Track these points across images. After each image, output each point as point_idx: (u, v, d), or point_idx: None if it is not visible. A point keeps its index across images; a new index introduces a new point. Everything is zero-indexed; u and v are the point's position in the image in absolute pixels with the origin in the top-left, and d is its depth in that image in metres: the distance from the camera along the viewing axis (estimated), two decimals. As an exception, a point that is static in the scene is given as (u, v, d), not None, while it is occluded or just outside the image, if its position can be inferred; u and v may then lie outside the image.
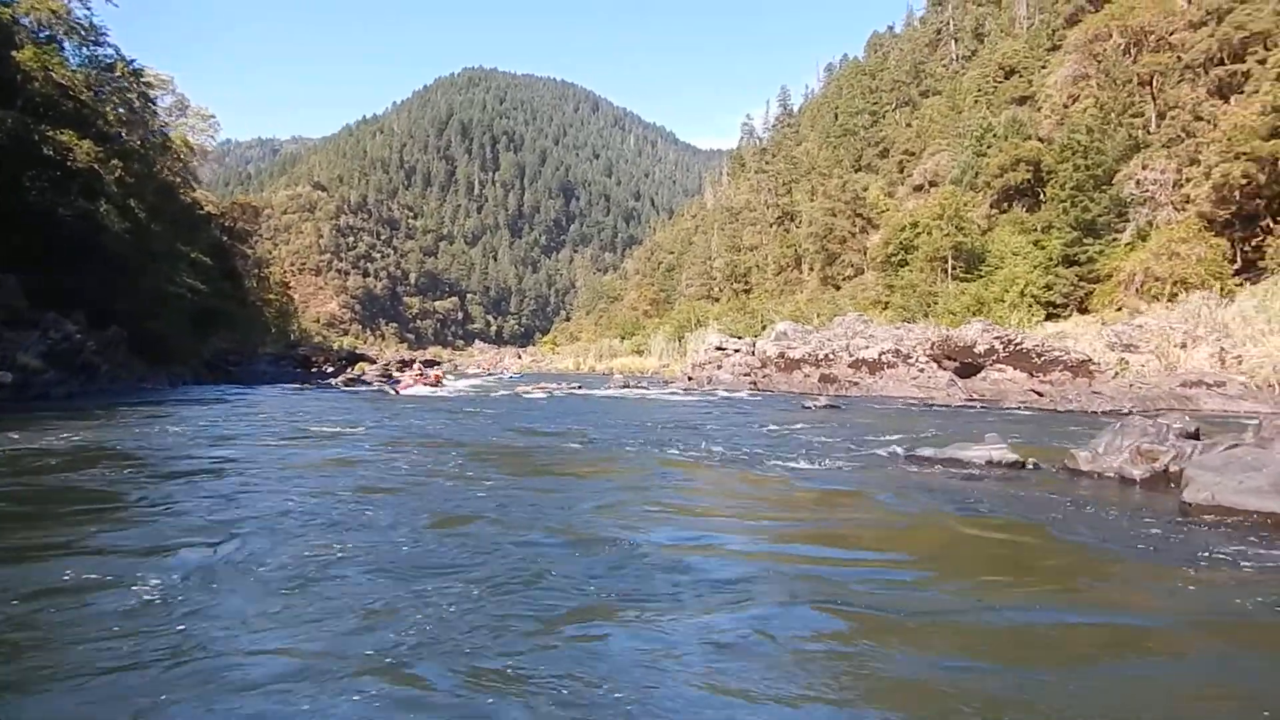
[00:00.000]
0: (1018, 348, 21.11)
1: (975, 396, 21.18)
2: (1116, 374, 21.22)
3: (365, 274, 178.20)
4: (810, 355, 27.04)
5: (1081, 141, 40.58)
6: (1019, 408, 18.19)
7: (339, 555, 4.54)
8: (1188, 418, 7.68)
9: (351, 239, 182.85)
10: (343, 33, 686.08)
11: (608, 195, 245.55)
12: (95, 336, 20.75)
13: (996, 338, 21.58)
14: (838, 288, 61.57)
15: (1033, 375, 20.87)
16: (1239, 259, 31.33)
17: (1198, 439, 6.92)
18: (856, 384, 24.63)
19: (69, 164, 22.99)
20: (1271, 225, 30.15)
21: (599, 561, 4.48)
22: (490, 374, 61.93)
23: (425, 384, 29.34)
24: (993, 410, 17.71)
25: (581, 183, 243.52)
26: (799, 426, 12.90)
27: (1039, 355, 20.86)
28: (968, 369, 22.31)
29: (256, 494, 6.50)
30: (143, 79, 31.04)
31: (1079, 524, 5.35)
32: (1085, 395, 18.70)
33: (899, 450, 9.03)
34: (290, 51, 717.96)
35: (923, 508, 6.05)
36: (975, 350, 21.88)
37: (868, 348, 25.78)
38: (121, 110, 27.84)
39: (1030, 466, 7.48)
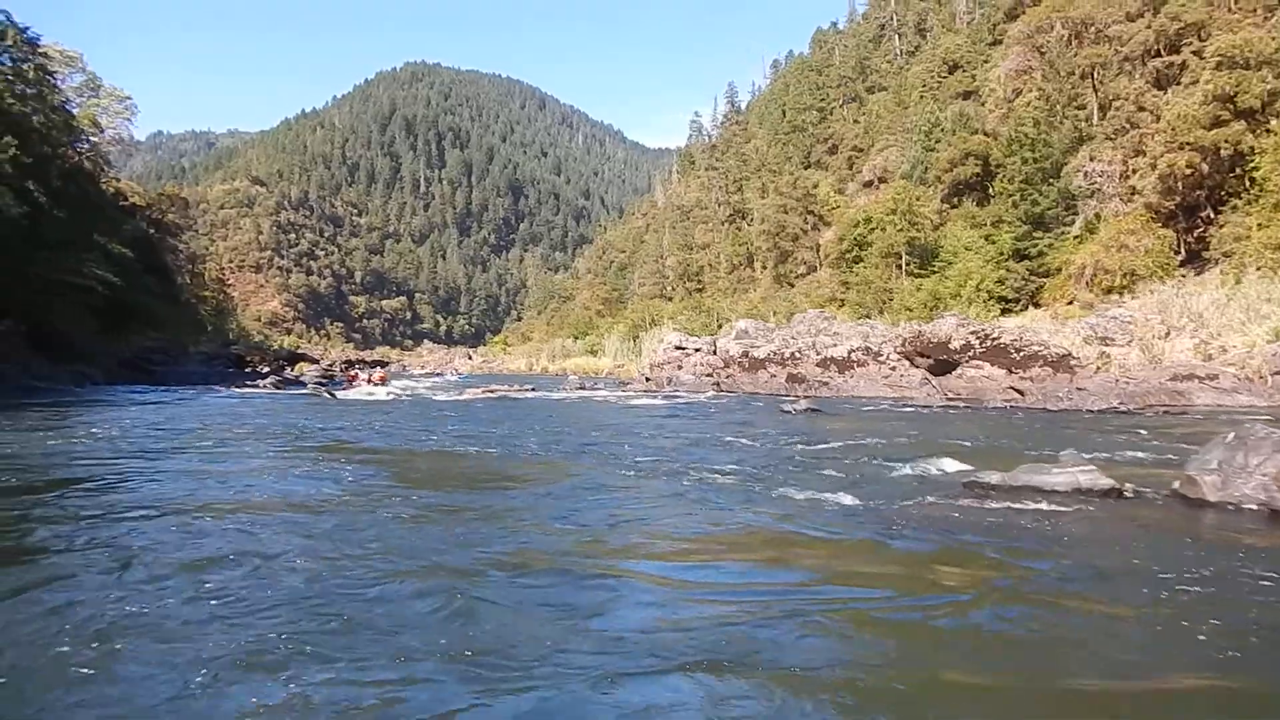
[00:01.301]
0: (995, 343, 19.87)
1: (952, 396, 19.91)
2: (1099, 369, 20.08)
3: (308, 272, 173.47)
4: (775, 354, 25.56)
5: (1029, 134, 40.39)
6: (1005, 408, 16.91)
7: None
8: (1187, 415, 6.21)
9: (293, 236, 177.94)
10: (278, 24, 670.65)
11: (557, 194, 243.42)
12: (-18, 333, 18.50)
13: (972, 333, 20.32)
14: (791, 285, 61.39)
15: (1011, 372, 19.63)
16: (1183, 250, 31.20)
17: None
18: (826, 384, 23.21)
19: (-45, 142, 20.59)
20: (1213, 215, 30.16)
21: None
22: (437, 374, 59.67)
23: (371, 384, 27.50)
24: (978, 411, 16.42)
25: (530, 181, 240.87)
26: (785, 435, 11.33)
27: (1017, 350, 19.63)
28: (942, 366, 21.02)
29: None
30: (39, 50, 28.19)
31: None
32: (1071, 392, 17.50)
33: (936, 469, 7.46)
34: (224, 42, 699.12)
35: (1055, 582, 4.05)
36: (950, 346, 20.59)
37: (835, 346, 24.38)
38: (13, 82, 25.05)
39: (1130, 494, 5.85)
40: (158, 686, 2.76)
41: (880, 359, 23.00)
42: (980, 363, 20.25)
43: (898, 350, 22.66)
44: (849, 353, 23.70)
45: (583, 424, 14.59)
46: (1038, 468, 6.22)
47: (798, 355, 25.01)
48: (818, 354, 24.68)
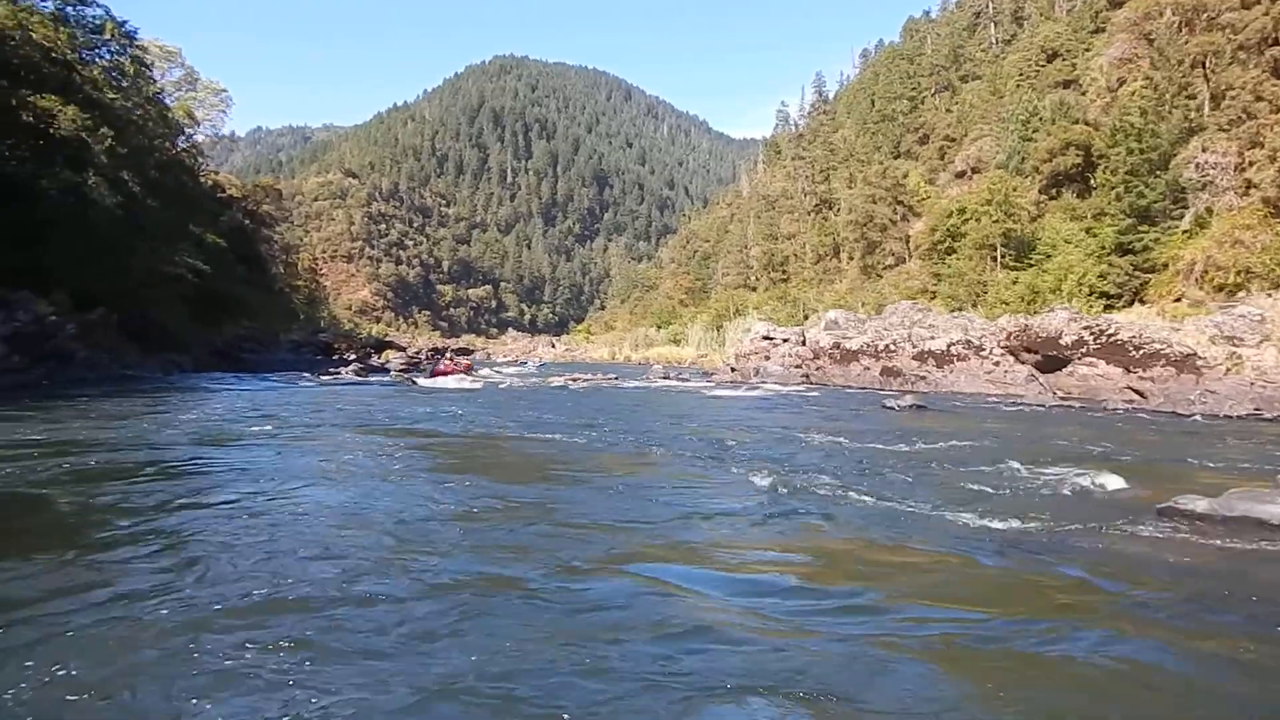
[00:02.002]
0: (1111, 339, 18.26)
1: (1063, 395, 18.41)
2: (1228, 370, 18.30)
3: (397, 261, 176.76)
4: (869, 346, 24.31)
5: (1135, 124, 38.36)
6: (1125, 410, 15.47)
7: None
8: None
9: (384, 226, 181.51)
10: (373, 20, 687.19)
11: (641, 184, 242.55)
12: (77, 319, 18.69)
13: (1086, 328, 18.74)
14: (879, 277, 60.58)
15: (1129, 371, 18.02)
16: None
17: None
18: (923, 378, 21.92)
19: (51, 132, 20.89)
20: (1339, 211, 27.63)
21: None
22: (520, 362, 59.70)
23: (456, 371, 27.39)
24: (1098, 413, 15.03)
25: (615, 171, 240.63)
26: (891, 434, 10.31)
27: (1136, 348, 17.98)
28: (1051, 363, 19.51)
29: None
30: (136, 43, 28.75)
31: None
32: (1201, 396, 15.93)
33: (1093, 484, 6.39)
34: (321, 38, 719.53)
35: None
36: (1061, 342, 19.06)
37: (933, 339, 23.01)
38: (111, 75, 25.52)
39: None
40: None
41: (982, 353, 21.57)
42: (1094, 360, 18.69)
43: (1001, 344, 21.20)
44: (948, 346, 22.32)
45: (668, 415, 13.83)
46: (1256, 494, 5.07)
47: (893, 348, 23.73)
48: (914, 347, 23.36)
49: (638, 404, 16.31)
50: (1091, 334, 18.62)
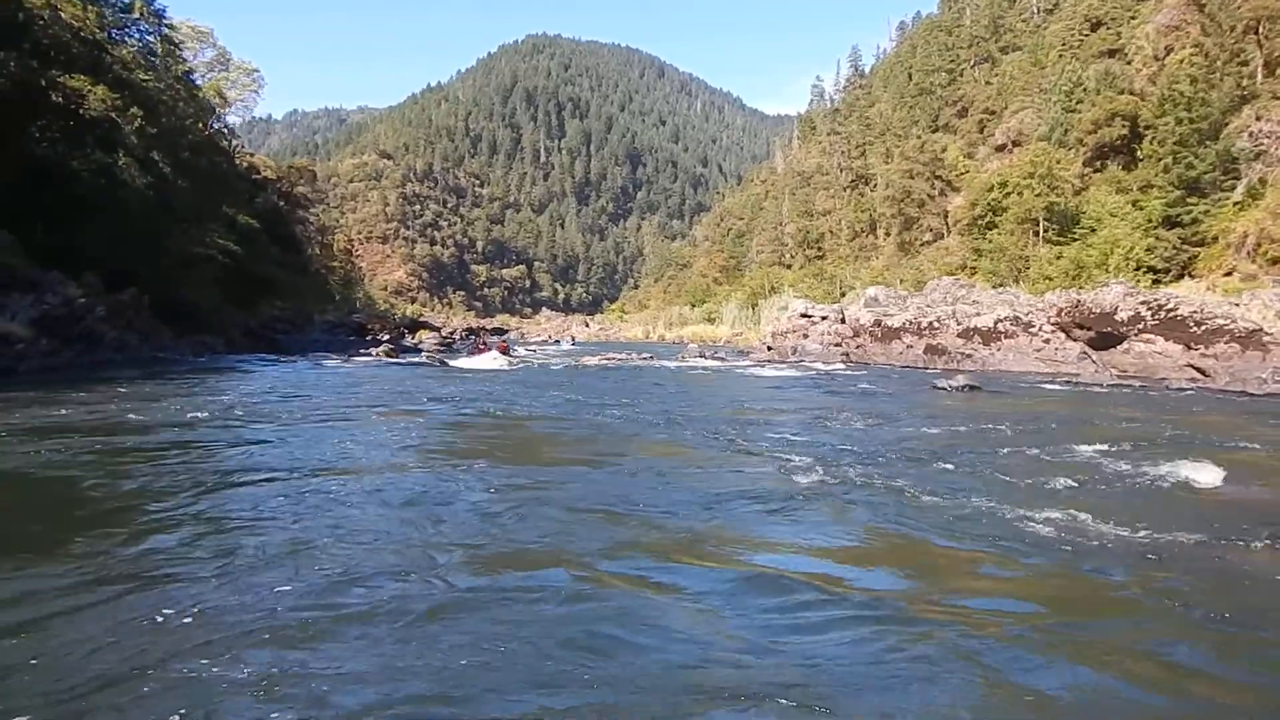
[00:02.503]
0: (1171, 315, 17.36)
1: (1119, 373, 17.58)
2: (1297, 346, 17.39)
3: (432, 242, 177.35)
4: (911, 323, 23.55)
5: (1184, 93, 37.07)
6: (1189, 389, 14.65)
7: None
8: None
9: (418, 207, 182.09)
10: (406, 2, 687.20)
11: (674, 162, 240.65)
12: (107, 301, 18.55)
13: (1143, 303, 17.85)
14: (916, 253, 59.80)
15: (1190, 348, 17.14)
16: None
17: None
18: (969, 356, 21.15)
19: (81, 112, 20.74)
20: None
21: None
22: (553, 342, 59.41)
23: (494, 353, 27.21)
24: (1160, 392, 14.24)
25: (648, 149, 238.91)
26: (947, 418, 9.69)
27: (1198, 324, 17.08)
28: (1105, 340, 18.66)
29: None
30: (165, 22, 28.56)
31: None
32: (1272, 373, 15.04)
33: (1189, 478, 5.70)
34: (356, 19, 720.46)
35: None
36: (1116, 318, 18.20)
37: (979, 315, 22.20)
38: (142, 55, 25.30)
39: None
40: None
41: (1031, 330, 20.75)
42: (1151, 337, 17.83)
43: (1052, 321, 20.36)
44: (995, 323, 21.53)
45: (705, 397, 13.33)
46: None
47: (936, 325, 22.97)
48: (959, 324, 22.59)
49: (673, 385, 15.82)
50: (1149, 309, 17.75)
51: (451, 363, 22.74)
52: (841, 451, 6.98)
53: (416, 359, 24.49)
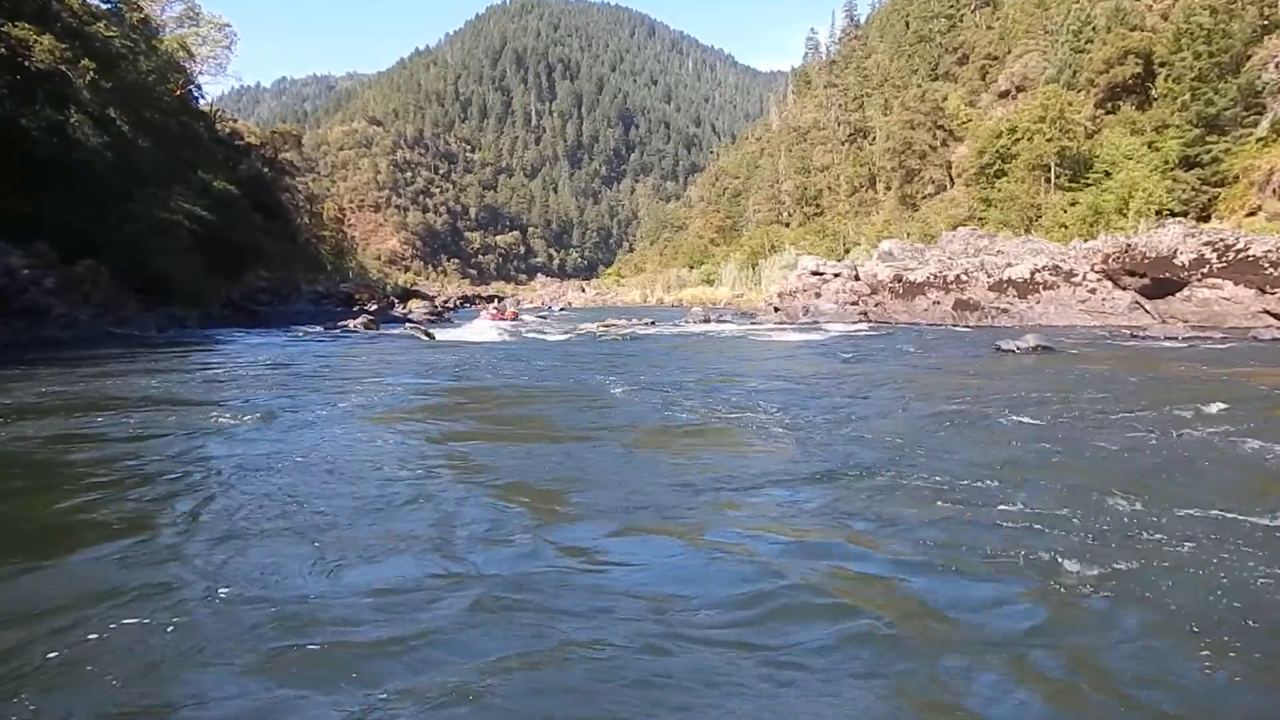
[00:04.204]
0: (1241, 255, 15.64)
1: (1180, 323, 15.90)
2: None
3: (425, 209, 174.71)
4: (936, 277, 21.77)
5: (1203, 25, 35.49)
6: (1275, 340, 12.94)
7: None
8: None
9: (410, 174, 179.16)
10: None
11: (667, 122, 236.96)
12: (59, 273, 16.81)
13: (1207, 243, 16.13)
14: (916, 207, 57.78)
15: (1264, 292, 15.45)
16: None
17: None
18: (1005, 311, 19.46)
19: (27, 65, 18.80)
20: None
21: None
22: (545, 309, 57.21)
23: (506, 318, 27.00)
24: (1241, 342, 12.59)
25: (640, 110, 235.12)
26: (1030, 390, 7.96)
27: (1273, 264, 15.38)
28: (1161, 287, 16.96)
29: None
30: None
31: None
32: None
33: None
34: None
35: None
36: (1175, 261, 16.49)
37: (1011, 265, 20.46)
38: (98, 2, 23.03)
39: None
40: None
41: (1074, 280, 19.04)
42: (1219, 281, 16.12)
43: (1096, 269, 18.64)
44: (1032, 273, 19.78)
45: (722, 367, 11.61)
46: None
47: (964, 278, 21.24)
48: (989, 276, 20.88)
49: (682, 353, 14.16)
50: (1215, 251, 16.03)
51: (439, 335, 20.92)
52: (967, 461, 5.30)
53: (397, 330, 22.64)
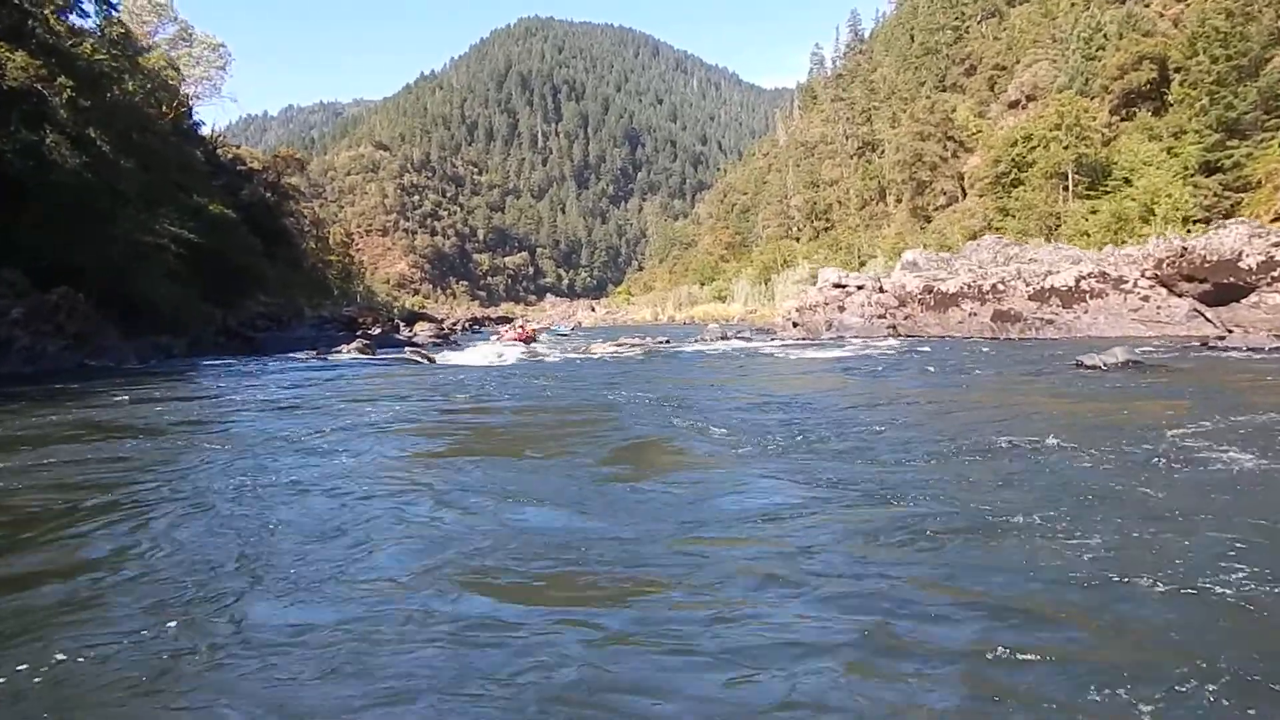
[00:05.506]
0: (1317, 257, 14.22)
1: (1252, 331, 14.44)
2: None
3: (432, 232, 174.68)
4: (970, 287, 20.34)
5: (1220, 28, 34.49)
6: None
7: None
8: None
9: (417, 198, 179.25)
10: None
11: (673, 141, 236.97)
12: (28, 301, 15.60)
13: (1276, 244, 14.73)
14: (928, 219, 56.55)
15: (1343, 298, 14.06)
16: None
17: None
18: (1050, 322, 18.01)
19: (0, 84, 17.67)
20: None
21: None
22: (553, 330, 55.72)
23: (522, 339, 26.42)
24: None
25: (646, 129, 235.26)
26: (1200, 426, 6.42)
27: (1352, 266, 13.96)
28: (1224, 292, 15.52)
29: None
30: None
31: None
32: None
33: None
34: (349, 10, 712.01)
35: None
36: (1240, 265, 15.05)
37: (1052, 273, 19.01)
38: (63, 12, 21.92)
39: None
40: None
41: (1124, 286, 17.58)
42: (1291, 285, 14.68)
43: (1149, 275, 17.19)
44: (1077, 280, 18.32)
45: (756, 393, 10.20)
46: None
47: (1001, 287, 19.79)
48: (1028, 285, 19.44)
49: (708, 375, 12.80)
50: (1286, 253, 14.60)
51: (444, 358, 19.58)
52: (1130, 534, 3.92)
53: (394, 354, 21.24)
